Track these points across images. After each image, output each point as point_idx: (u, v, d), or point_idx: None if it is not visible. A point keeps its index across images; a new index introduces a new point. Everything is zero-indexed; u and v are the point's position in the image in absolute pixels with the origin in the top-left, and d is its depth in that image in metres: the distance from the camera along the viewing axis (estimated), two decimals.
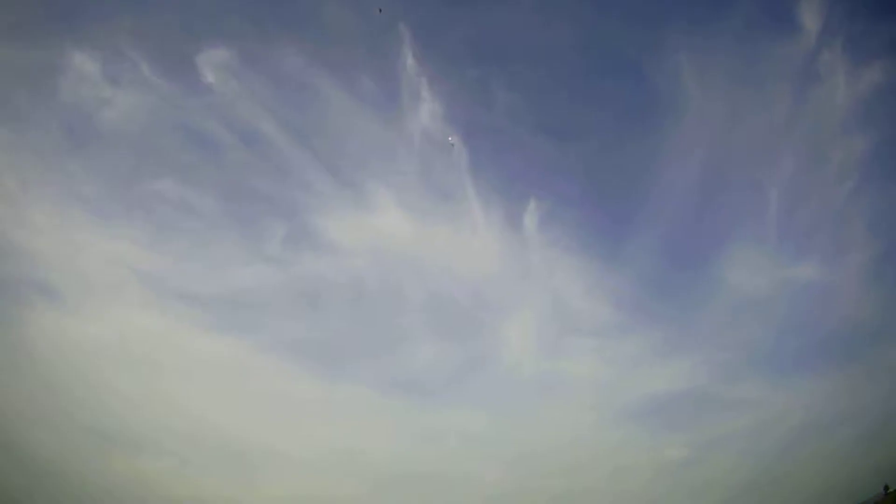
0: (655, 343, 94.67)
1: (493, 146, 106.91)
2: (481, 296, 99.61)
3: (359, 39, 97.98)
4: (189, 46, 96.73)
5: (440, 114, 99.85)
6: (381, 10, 62.48)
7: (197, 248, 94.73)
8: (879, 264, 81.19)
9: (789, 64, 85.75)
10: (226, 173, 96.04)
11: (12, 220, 77.58)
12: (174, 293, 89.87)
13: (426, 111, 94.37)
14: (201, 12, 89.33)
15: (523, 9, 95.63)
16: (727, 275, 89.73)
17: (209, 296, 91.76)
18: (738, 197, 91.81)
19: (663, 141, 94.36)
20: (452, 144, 76.12)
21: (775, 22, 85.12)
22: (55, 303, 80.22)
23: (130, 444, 74.70)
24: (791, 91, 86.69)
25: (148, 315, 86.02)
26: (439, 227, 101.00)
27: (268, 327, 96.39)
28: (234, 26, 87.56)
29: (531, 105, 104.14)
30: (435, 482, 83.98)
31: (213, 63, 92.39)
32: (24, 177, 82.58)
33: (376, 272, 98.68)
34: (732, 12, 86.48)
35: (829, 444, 74.01)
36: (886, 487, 56.69)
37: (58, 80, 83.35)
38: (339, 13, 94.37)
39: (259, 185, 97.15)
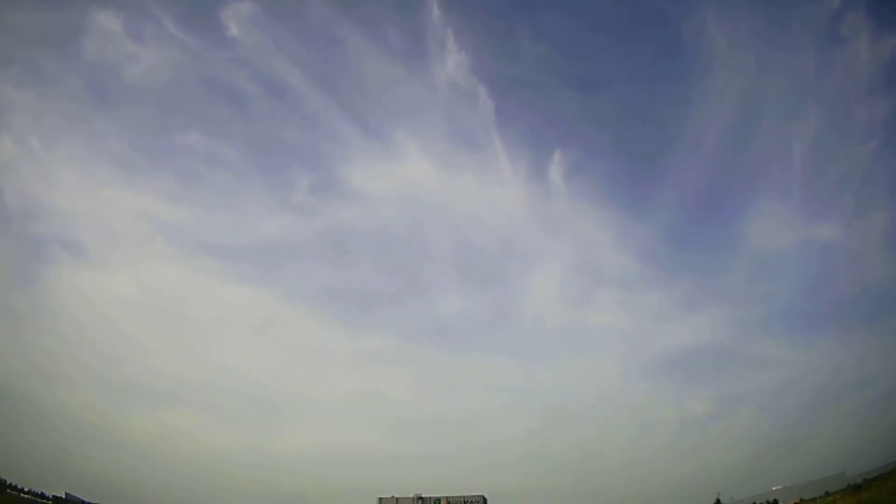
0: (678, 296, 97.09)
1: (520, 97, 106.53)
2: (507, 246, 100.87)
3: None
4: (212, 0, 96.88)
5: (467, 65, 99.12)
6: None
7: (223, 199, 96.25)
8: None
9: (814, 25, 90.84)
10: (252, 125, 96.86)
11: (39, 178, 79.45)
12: (200, 245, 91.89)
13: (453, 62, 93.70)
14: None
15: None
16: (750, 230, 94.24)
17: (235, 247, 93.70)
18: (763, 153, 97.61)
19: (690, 93, 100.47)
20: None
21: None
22: (81, 258, 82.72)
23: (155, 398, 78.06)
24: (816, 51, 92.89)
25: (174, 268, 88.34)
26: (466, 176, 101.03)
27: (294, 277, 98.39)
28: None
29: (558, 56, 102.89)
30: (460, 429, 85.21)
31: (237, 16, 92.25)
32: (51, 136, 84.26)
33: (403, 221, 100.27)
34: None
35: (850, 407, 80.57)
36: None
37: (82, 39, 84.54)
38: None
39: (286, 136, 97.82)
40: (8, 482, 46.01)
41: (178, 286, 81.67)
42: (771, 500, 60.60)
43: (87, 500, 53.49)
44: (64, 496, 51.17)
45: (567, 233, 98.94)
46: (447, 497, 67.91)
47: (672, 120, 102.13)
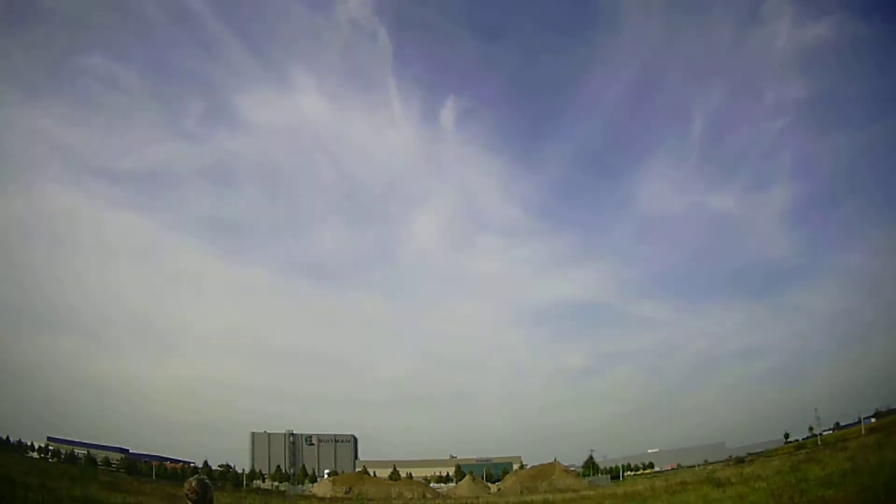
0: (563, 250, 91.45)
1: (419, 40, 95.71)
2: (393, 186, 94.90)
3: None
4: None
5: (370, 3, 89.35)
6: None
7: (118, 123, 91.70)
8: (799, 207, 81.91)
9: (735, 1, 79.22)
10: (152, 50, 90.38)
11: None
12: (91, 169, 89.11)
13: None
14: None
15: None
16: (641, 192, 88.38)
17: (125, 172, 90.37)
18: (663, 117, 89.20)
19: (595, 51, 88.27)
20: None
21: None
22: None
23: (44, 322, 79.43)
24: (734, 25, 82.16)
25: (65, 191, 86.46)
26: (357, 114, 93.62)
27: (180, 205, 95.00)
28: None
29: (464, 1, 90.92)
30: (335, 367, 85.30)
31: None
32: None
33: (290, 153, 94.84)
34: None
35: (732, 378, 78.62)
36: None
37: None
38: None
39: (184, 62, 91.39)
40: None
41: (70, 210, 79.24)
42: (646, 462, 53.40)
43: None
44: None
45: (454, 178, 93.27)
46: (318, 435, 65.49)
47: (573, 74, 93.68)
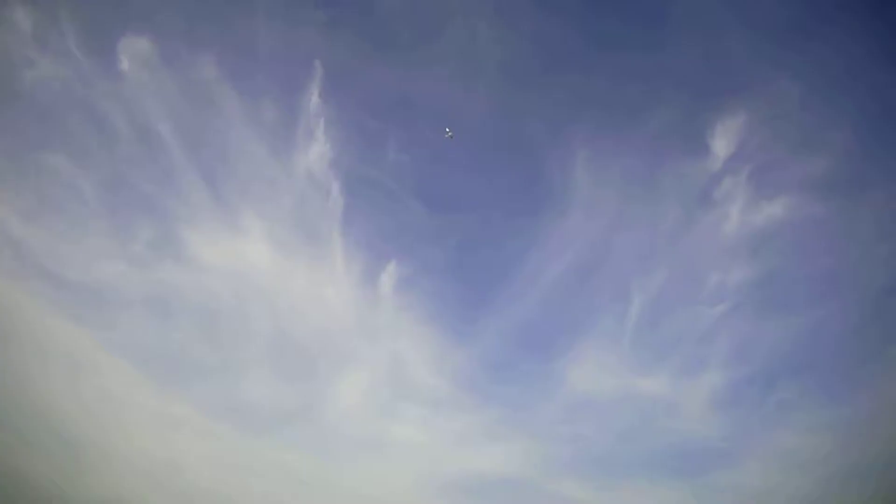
0: (485, 424, 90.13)
1: (371, 201, 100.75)
2: (326, 345, 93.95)
3: (275, 64, 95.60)
4: (116, 29, 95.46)
5: (328, 157, 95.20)
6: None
7: (73, 231, 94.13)
8: (730, 391, 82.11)
9: (689, 182, 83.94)
10: (115, 163, 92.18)
11: None
12: (44, 272, 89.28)
13: (316, 152, 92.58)
14: None
15: (438, 73, 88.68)
16: (572, 373, 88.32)
17: (74, 282, 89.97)
18: (603, 298, 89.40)
19: (542, 229, 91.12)
20: (450, 136, 74.88)
21: (685, 140, 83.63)
22: None
23: None
24: (684, 208, 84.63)
25: (13, 288, 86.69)
26: (300, 267, 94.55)
27: (120, 327, 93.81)
28: (165, 19, 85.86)
29: (419, 169, 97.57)
30: None
31: (132, 51, 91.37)
32: None
33: (231, 296, 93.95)
34: (644, 121, 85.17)
35: None
36: None
37: None
38: (265, 32, 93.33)
39: (142, 184, 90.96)
40: None
41: (10, 306, 79.28)
42: None
43: None
44: None
45: (386, 344, 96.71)
46: None
47: (517, 251, 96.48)
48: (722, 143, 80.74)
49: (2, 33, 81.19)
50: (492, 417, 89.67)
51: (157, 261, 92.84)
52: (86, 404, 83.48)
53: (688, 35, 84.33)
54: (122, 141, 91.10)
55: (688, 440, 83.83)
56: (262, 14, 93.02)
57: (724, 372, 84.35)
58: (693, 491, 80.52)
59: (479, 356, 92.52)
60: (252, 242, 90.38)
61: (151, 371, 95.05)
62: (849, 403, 77.72)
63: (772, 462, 77.78)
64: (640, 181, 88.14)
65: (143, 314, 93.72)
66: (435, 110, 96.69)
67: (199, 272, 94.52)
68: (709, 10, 79.64)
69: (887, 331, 76.07)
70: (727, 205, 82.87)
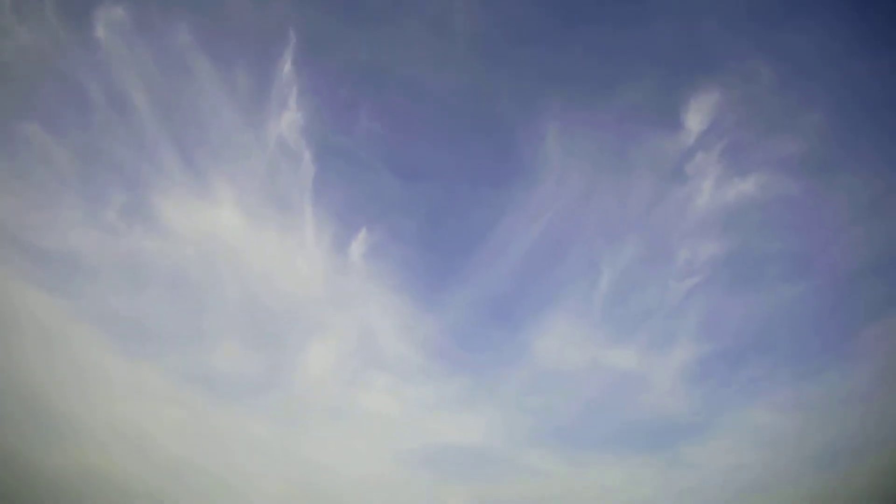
0: (454, 393, 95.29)
1: (342, 169, 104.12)
2: (295, 313, 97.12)
3: (249, 32, 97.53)
4: None
5: (300, 125, 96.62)
6: None
7: (46, 199, 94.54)
8: (700, 366, 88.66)
9: (662, 156, 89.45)
10: (89, 131, 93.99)
11: None
12: (16, 241, 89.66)
13: (288, 119, 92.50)
14: None
15: (411, 44, 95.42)
16: (541, 342, 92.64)
17: (46, 251, 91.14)
18: (572, 271, 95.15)
19: (512, 200, 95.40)
20: None
21: (658, 114, 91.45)
22: None
23: None
24: (656, 181, 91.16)
25: None
26: (270, 235, 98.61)
27: (91, 295, 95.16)
28: None
29: (392, 138, 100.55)
30: (214, 482, 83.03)
31: (107, 19, 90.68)
32: None
33: (201, 264, 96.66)
34: (618, 94, 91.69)
35: None
36: None
37: None
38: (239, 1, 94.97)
39: (115, 150, 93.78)
40: None
41: None
42: None
43: None
44: None
45: (355, 312, 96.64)
46: None
47: (485, 222, 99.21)
48: (696, 119, 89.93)
49: None
50: (459, 387, 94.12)
51: (128, 228, 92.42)
52: (55, 373, 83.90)
53: (663, 11, 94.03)
54: (97, 108, 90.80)
55: (657, 414, 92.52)
56: None
57: (695, 346, 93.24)
58: (661, 465, 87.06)
59: (448, 324, 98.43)
60: (223, 209, 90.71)
61: (121, 339, 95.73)
62: (820, 383, 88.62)
63: (742, 438, 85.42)
64: (612, 153, 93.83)
65: (113, 282, 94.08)
66: (407, 80, 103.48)
67: (170, 239, 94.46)
68: None
69: (858, 312, 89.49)
70: (699, 180, 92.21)
